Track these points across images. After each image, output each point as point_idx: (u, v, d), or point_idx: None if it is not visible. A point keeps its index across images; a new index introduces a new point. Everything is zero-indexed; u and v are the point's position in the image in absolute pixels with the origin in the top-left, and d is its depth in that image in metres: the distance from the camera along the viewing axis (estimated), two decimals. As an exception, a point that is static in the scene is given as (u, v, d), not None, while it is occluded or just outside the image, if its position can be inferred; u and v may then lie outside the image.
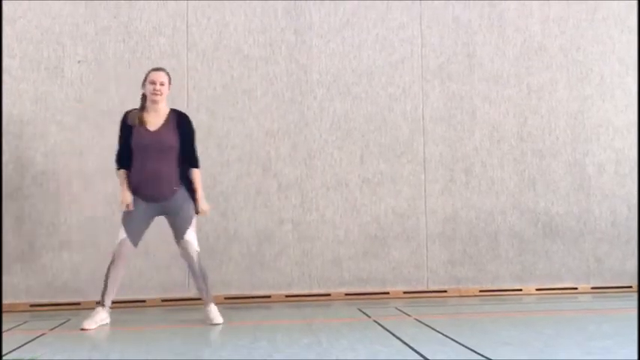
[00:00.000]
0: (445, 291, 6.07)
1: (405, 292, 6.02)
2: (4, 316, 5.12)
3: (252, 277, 5.88)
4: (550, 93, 6.30)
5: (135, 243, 4.68)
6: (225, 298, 5.77)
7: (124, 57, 5.90)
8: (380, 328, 4.29)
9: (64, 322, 4.86)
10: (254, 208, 5.87)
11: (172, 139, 4.68)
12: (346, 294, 5.96)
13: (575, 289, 6.18)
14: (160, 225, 5.79)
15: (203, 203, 4.76)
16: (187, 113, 5.88)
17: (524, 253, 6.17)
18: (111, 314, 4.73)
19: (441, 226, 6.10)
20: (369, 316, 4.83)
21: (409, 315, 4.88)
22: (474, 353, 3.38)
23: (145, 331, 4.47)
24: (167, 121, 4.72)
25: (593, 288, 6.19)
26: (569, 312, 5.14)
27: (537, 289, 6.14)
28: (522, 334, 3.98)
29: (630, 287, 6.19)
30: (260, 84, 6.00)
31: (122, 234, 4.66)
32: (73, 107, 5.82)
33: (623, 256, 6.24)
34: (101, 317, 4.62)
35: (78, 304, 5.66)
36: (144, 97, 4.76)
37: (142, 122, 4.66)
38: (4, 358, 3.57)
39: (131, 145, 4.67)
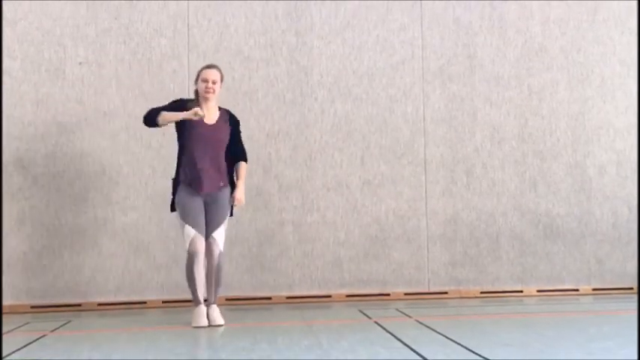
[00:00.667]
0: (446, 292, 6.06)
1: (405, 294, 6.02)
2: (5, 318, 5.12)
3: (253, 278, 5.88)
4: (551, 94, 6.30)
5: (203, 234, 4.66)
6: (226, 300, 5.77)
7: (125, 58, 5.91)
8: (381, 329, 4.29)
9: (65, 324, 4.86)
10: (255, 210, 5.87)
11: (226, 135, 4.77)
12: (347, 295, 5.96)
13: (576, 290, 6.18)
14: (160, 225, 5.81)
15: (240, 192, 4.78)
16: (188, 115, 5.92)
17: (525, 255, 6.17)
18: (111, 316, 4.73)
19: (441, 228, 6.10)
20: (370, 318, 4.83)
21: (410, 316, 4.88)
22: (475, 355, 3.38)
23: (145, 333, 4.46)
24: (220, 117, 4.80)
25: (594, 289, 6.19)
26: (570, 313, 5.14)
27: (538, 291, 6.13)
28: (523, 335, 3.98)
29: (631, 289, 6.19)
30: (261, 85, 6.01)
31: (190, 231, 4.63)
32: (73, 108, 5.82)
33: (624, 258, 6.24)
34: (205, 310, 4.64)
35: (79, 305, 5.66)
36: (196, 94, 4.82)
37: (201, 114, 4.65)
38: (4, 359, 3.57)
39: (185, 134, 4.69)
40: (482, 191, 6.17)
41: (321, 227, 5.99)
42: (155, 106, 4.82)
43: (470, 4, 6.28)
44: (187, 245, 4.63)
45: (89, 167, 5.79)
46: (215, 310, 4.68)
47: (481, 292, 6.09)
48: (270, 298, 5.86)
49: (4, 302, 5.51)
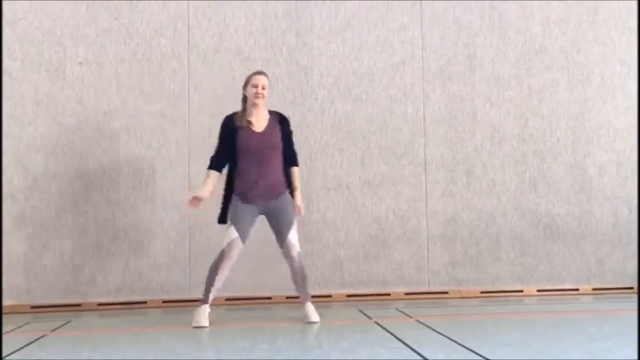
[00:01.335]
0: (446, 292, 6.07)
1: (406, 294, 6.02)
2: (5, 318, 5.12)
3: (253, 278, 5.88)
4: (551, 94, 6.30)
5: (243, 242, 4.71)
6: (226, 300, 5.77)
7: (125, 58, 5.91)
8: (381, 329, 4.29)
9: (65, 324, 4.86)
10: (255, 210, 5.86)
11: (277, 139, 4.75)
12: (347, 295, 5.96)
13: (576, 290, 6.18)
14: (161, 225, 5.81)
15: (299, 199, 4.78)
16: (188, 115, 5.93)
17: (525, 255, 6.17)
18: (111, 316, 4.73)
19: (441, 228, 6.11)
20: (370, 318, 4.83)
21: (410, 316, 4.88)
22: (476, 355, 3.38)
23: (145, 333, 4.46)
24: (270, 122, 4.78)
25: (594, 289, 6.19)
26: (570, 313, 5.14)
27: (538, 291, 6.14)
28: (523, 335, 3.98)
29: (631, 288, 6.19)
30: (261, 85, 6.00)
31: (233, 233, 4.66)
32: (73, 109, 5.82)
33: (624, 258, 6.24)
34: (207, 312, 4.67)
35: (79, 305, 5.66)
36: (244, 100, 4.82)
37: (249, 124, 4.70)
38: (4, 359, 3.57)
39: (236, 148, 4.68)
40: (483, 191, 6.18)
41: (321, 227, 5.99)
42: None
43: (470, 4, 6.28)
44: (224, 244, 4.66)
45: (89, 167, 5.79)
46: (310, 308, 4.73)
47: (481, 292, 6.09)
48: (270, 298, 5.86)
49: (4, 302, 5.52)
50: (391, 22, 6.20)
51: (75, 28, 5.88)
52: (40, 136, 5.76)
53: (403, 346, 3.68)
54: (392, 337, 3.97)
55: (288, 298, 5.79)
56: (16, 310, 5.55)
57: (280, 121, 4.83)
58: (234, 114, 4.84)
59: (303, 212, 4.83)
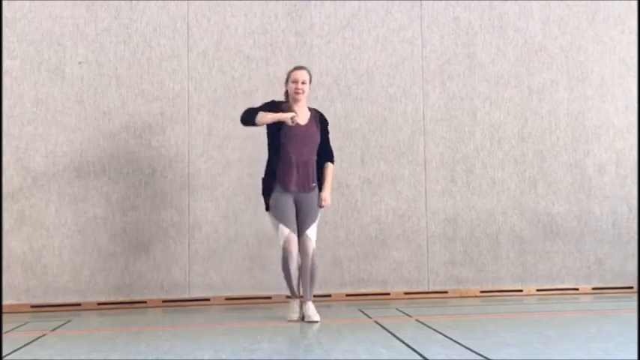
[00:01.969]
0: (446, 292, 6.07)
1: (405, 293, 6.02)
2: (5, 317, 5.13)
3: (253, 278, 5.88)
4: (550, 94, 6.30)
5: (296, 232, 4.74)
6: (226, 299, 5.77)
7: (125, 58, 5.91)
8: (381, 329, 4.29)
9: (65, 323, 4.86)
10: (255, 210, 5.85)
11: (317, 135, 4.87)
12: (347, 295, 5.96)
13: (576, 289, 6.18)
14: (160, 224, 5.81)
15: (327, 192, 4.87)
16: (188, 114, 5.93)
17: (525, 254, 6.17)
18: (110, 315, 4.73)
19: (441, 227, 6.11)
20: (370, 317, 4.83)
21: (410, 316, 4.88)
22: (476, 354, 3.38)
23: (145, 332, 4.46)
24: (312, 117, 4.88)
25: (593, 289, 6.19)
26: (570, 313, 5.14)
27: (538, 290, 6.14)
28: (524, 335, 3.98)
29: (631, 288, 6.19)
30: (261, 85, 6.00)
31: (284, 230, 4.70)
32: (73, 108, 5.82)
33: (624, 257, 6.24)
34: (297, 305, 4.82)
35: (78, 304, 5.66)
36: (286, 95, 4.89)
37: (296, 120, 4.75)
38: (5, 359, 3.57)
39: (279, 135, 4.75)
40: (482, 190, 6.18)
41: (321, 226, 5.96)
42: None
43: (469, 4, 6.28)
44: (282, 242, 4.71)
45: (89, 167, 5.79)
46: (311, 307, 4.75)
47: (481, 292, 6.09)
48: (270, 298, 5.86)
49: (4, 302, 5.52)
50: (391, 21, 6.20)
51: (75, 28, 5.87)
52: (39, 135, 5.76)
53: (403, 345, 3.68)
54: (392, 336, 3.98)
55: (288, 297, 5.78)
56: (16, 310, 5.55)
57: (321, 119, 4.94)
58: (281, 102, 4.88)
59: (328, 203, 4.90)
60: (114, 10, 5.92)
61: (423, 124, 6.16)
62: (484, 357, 3.30)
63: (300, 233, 4.76)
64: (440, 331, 4.11)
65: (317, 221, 4.84)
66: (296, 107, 4.82)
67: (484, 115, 6.23)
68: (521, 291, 6.12)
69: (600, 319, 4.67)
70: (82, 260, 5.72)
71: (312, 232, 4.78)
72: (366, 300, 5.89)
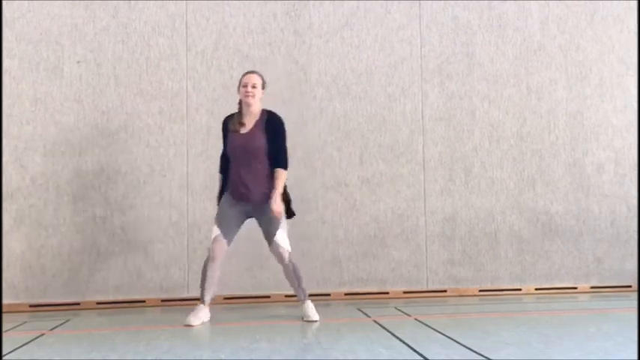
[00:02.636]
0: (445, 291, 6.07)
1: (404, 292, 6.02)
2: (4, 317, 5.12)
3: (252, 277, 5.88)
4: (549, 93, 6.31)
5: (228, 240, 4.72)
6: (225, 298, 5.77)
7: (123, 57, 5.90)
8: (380, 328, 4.29)
9: (64, 323, 4.85)
10: (253, 209, 5.86)
11: (260, 140, 4.68)
12: (346, 294, 5.96)
13: (575, 288, 6.18)
14: (159, 224, 5.80)
15: (275, 202, 4.59)
16: (187, 114, 5.92)
17: (524, 253, 6.17)
18: (109, 315, 4.72)
19: (440, 226, 6.11)
20: (369, 316, 4.83)
21: (409, 315, 4.88)
22: (475, 354, 3.38)
23: (144, 332, 4.46)
24: (258, 122, 4.75)
25: (592, 287, 6.20)
26: (569, 312, 5.14)
27: (537, 289, 6.14)
28: (523, 334, 3.98)
29: (630, 287, 6.20)
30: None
31: (215, 231, 4.71)
32: (72, 108, 5.81)
33: (623, 256, 6.25)
34: (204, 313, 4.70)
35: (77, 304, 5.66)
36: (240, 102, 4.83)
37: (239, 125, 4.71)
38: (4, 358, 3.56)
39: (225, 147, 4.79)
40: (481, 190, 6.18)
41: (320, 226, 5.99)
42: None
43: (468, 4, 6.28)
44: (211, 244, 4.73)
45: (87, 166, 5.78)
46: (310, 307, 4.73)
47: (480, 291, 6.10)
48: (268, 297, 5.86)
49: (3, 301, 5.51)
50: (390, 20, 6.20)
51: (73, 27, 5.87)
52: (38, 135, 5.76)
53: (402, 344, 3.68)
54: (391, 335, 3.97)
55: (286, 296, 5.79)
56: (15, 309, 5.55)
57: (268, 120, 4.74)
58: (232, 115, 4.85)
59: (278, 214, 4.61)
60: (112, 9, 5.91)
61: (422, 123, 6.16)
62: (484, 356, 3.30)
63: (269, 243, 4.72)
64: (439, 330, 4.11)
65: (283, 226, 4.70)
66: (247, 113, 4.74)
67: (483, 114, 6.23)
68: (520, 290, 6.12)
69: (599, 318, 4.68)
70: (80, 260, 5.71)
71: (280, 238, 4.68)
72: (365, 299, 5.89)
